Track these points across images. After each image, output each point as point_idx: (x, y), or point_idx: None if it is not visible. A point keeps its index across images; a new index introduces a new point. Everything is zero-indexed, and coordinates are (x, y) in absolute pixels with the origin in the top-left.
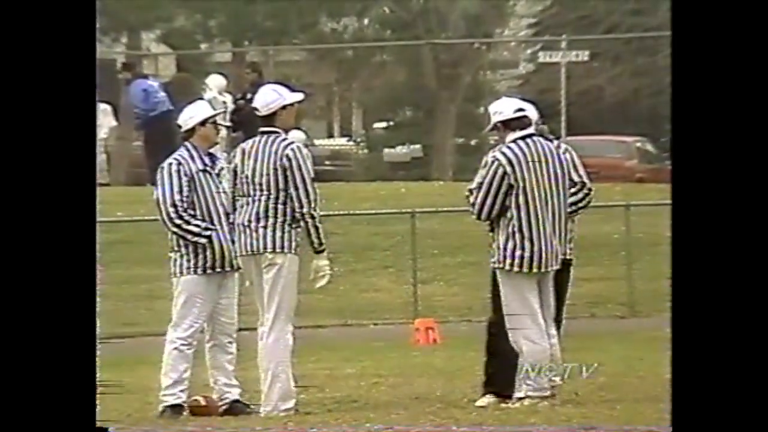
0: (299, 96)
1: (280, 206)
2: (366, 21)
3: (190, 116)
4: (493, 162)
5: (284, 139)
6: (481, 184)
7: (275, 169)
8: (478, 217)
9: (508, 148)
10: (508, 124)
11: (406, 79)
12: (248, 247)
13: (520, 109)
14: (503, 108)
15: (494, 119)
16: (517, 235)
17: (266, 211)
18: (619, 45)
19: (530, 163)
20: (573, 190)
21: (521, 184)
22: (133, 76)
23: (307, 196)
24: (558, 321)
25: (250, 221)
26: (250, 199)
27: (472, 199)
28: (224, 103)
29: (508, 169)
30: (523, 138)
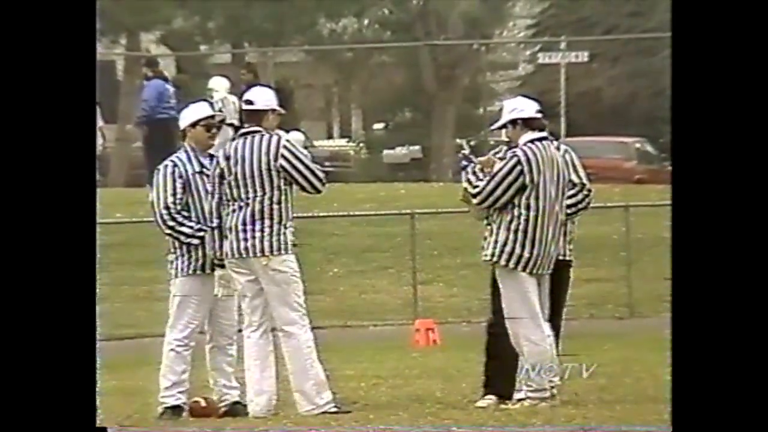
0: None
1: (275, 206)
2: (365, 22)
3: (183, 117)
4: (512, 157)
5: (270, 137)
6: (495, 173)
7: (269, 170)
8: (482, 203)
9: (528, 148)
10: (529, 123)
11: (405, 81)
12: (241, 251)
13: (540, 111)
14: (524, 106)
15: (513, 115)
16: (520, 234)
17: (261, 213)
18: (617, 46)
19: (544, 166)
20: (573, 191)
21: (534, 186)
22: (154, 74)
23: (314, 174)
24: (557, 322)
25: (244, 224)
26: (241, 202)
27: (481, 184)
28: (234, 103)
29: (526, 168)
30: (539, 140)
